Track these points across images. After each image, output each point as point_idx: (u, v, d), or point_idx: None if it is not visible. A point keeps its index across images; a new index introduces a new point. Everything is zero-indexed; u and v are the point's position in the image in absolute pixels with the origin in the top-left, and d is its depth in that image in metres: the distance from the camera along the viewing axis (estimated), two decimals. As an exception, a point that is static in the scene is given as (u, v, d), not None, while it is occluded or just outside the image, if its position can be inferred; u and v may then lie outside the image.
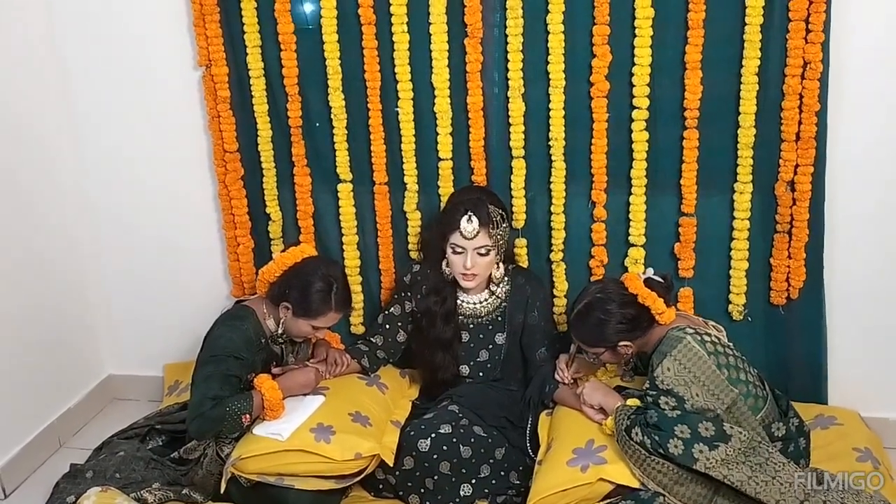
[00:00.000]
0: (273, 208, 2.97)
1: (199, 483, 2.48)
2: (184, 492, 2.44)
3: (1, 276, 2.76)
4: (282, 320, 2.55)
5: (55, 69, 2.98)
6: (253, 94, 2.86)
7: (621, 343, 2.40)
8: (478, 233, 2.56)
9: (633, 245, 2.76)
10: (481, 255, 2.60)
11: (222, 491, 2.37)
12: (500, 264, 2.68)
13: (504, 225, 2.61)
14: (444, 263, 2.68)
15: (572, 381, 2.62)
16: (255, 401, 2.40)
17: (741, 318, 2.75)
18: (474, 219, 2.56)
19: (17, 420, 2.84)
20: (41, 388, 2.96)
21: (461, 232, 2.57)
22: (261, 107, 2.87)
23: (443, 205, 2.78)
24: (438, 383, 2.75)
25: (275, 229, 3.00)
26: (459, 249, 2.60)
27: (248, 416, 2.38)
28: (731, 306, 2.75)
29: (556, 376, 2.62)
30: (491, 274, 2.68)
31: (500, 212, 2.61)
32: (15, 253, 2.83)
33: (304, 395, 2.53)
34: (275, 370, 2.58)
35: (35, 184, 2.93)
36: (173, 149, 3.03)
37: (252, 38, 2.80)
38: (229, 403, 2.37)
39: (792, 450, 2.31)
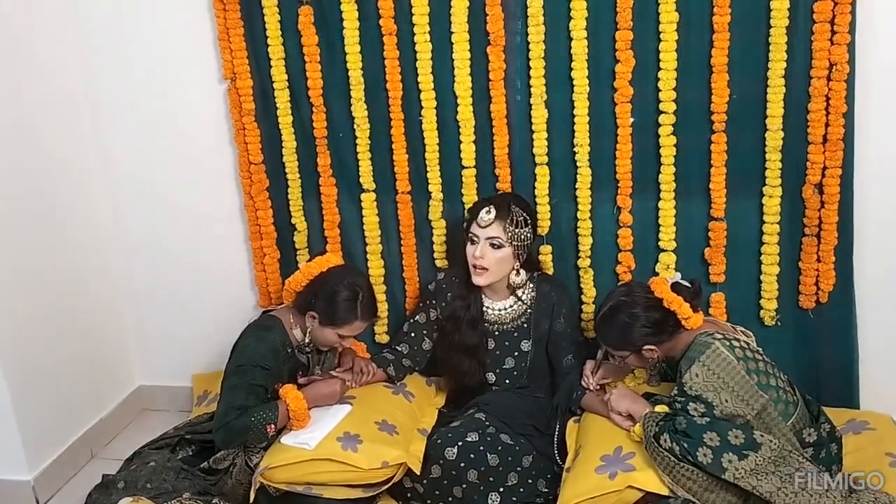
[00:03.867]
0: (298, 219, 2.99)
1: (229, 493, 2.49)
2: (214, 501, 2.44)
3: (33, 287, 2.80)
4: (308, 329, 2.57)
5: (83, 82, 3.02)
6: (277, 105, 2.88)
7: (646, 347, 2.39)
8: (492, 223, 2.59)
9: (663, 250, 2.74)
10: (493, 246, 2.60)
11: (251, 501, 2.38)
12: (521, 270, 2.68)
13: (526, 229, 2.62)
14: None
15: (598, 387, 2.61)
16: (280, 411, 2.42)
17: (773, 322, 2.72)
18: (493, 210, 2.60)
19: (50, 431, 2.88)
20: (73, 399, 2.99)
21: (477, 221, 2.60)
22: (285, 118, 2.89)
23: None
24: (465, 390, 2.75)
25: (300, 239, 3.02)
26: (475, 239, 2.62)
27: (272, 426, 2.40)
28: (762, 311, 2.72)
29: (582, 382, 2.62)
30: (510, 279, 2.68)
31: (525, 215, 2.62)
32: (46, 265, 2.87)
33: (331, 404, 2.55)
34: (300, 380, 2.59)
35: (65, 197, 2.96)
36: (199, 161, 3.06)
37: (276, 51, 2.82)
38: (254, 413, 2.39)
39: (823, 456, 2.29)
